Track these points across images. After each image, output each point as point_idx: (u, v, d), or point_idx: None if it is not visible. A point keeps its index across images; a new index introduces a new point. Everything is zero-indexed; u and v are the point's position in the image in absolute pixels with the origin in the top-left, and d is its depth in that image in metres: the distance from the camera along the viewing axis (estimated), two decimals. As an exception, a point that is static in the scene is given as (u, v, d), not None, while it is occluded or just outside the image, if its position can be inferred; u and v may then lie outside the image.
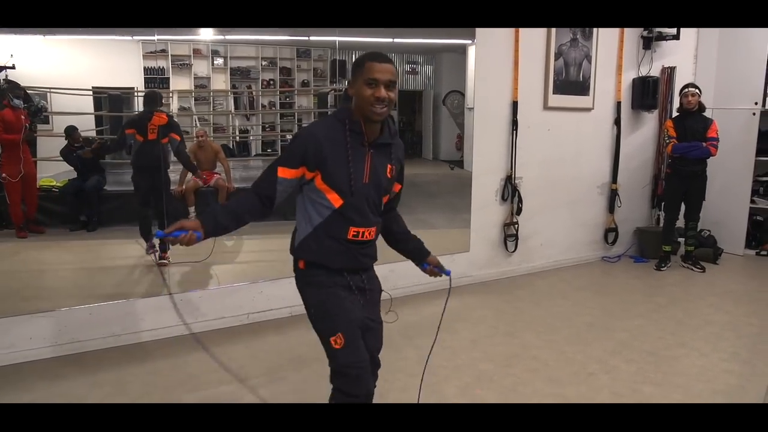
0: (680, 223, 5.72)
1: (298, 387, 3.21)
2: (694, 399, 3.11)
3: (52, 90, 4.83)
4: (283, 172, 2.01)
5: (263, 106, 9.61)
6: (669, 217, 5.62)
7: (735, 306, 4.66)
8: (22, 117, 4.33)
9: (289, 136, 9.48)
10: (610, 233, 5.94)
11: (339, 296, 2.17)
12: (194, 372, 3.39)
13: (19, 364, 3.42)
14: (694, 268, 5.58)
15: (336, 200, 2.06)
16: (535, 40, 5.10)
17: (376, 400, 3.05)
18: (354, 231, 2.11)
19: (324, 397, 3.05)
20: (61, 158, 4.76)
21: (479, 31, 4.81)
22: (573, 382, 3.30)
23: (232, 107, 9.27)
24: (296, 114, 9.71)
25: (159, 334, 3.82)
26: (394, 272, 4.66)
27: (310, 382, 3.26)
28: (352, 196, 2.06)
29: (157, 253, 4.50)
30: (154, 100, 4.81)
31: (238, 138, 8.95)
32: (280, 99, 9.77)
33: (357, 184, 2.05)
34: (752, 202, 6.12)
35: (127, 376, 3.34)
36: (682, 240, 5.79)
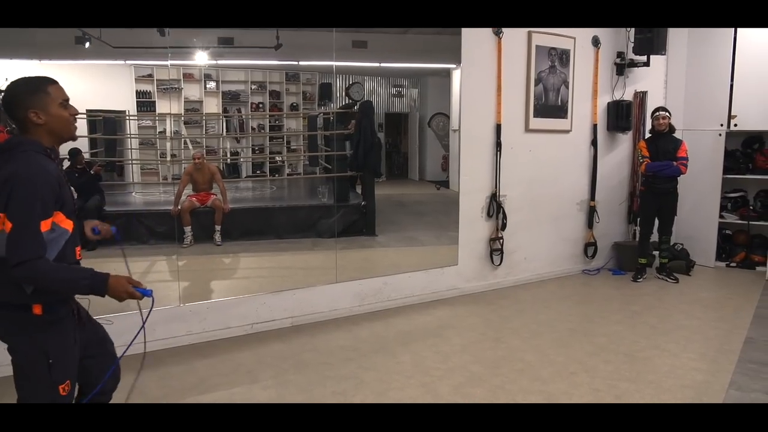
0: (655, 237, 6.08)
1: (303, 388, 3.47)
2: (664, 393, 3.43)
3: None
4: (44, 226, 1.89)
5: (253, 129, 9.93)
6: (644, 232, 5.99)
7: (704, 312, 5.02)
8: None
9: (278, 158, 9.81)
10: (590, 247, 6.30)
11: (74, 340, 2.10)
12: (205, 376, 3.65)
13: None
14: (668, 279, 5.93)
15: (69, 226, 2.03)
16: (516, 67, 5.48)
17: (376, 399, 3.35)
18: (78, 250, 2.13)
19: (329, 397, 3.35)
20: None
21: (464, 57, 5.17)
22: (555, 380, 3.61)
23: (224, 130, 9.57)
24: (285, 136, 10.04)
25: (170, 343, 4.07)
26: (387, 285, 4.99)
27: (314, 384, 3.53)
28: (75, 217, 2.10)
29: None
30: None
31: (229, 160, 9.24)
32: (269, 122, 10.11)
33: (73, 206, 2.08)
34: (721, 217, 6.51)
35: (143, 380, 3.57)
36: (657, 253, 6.14)
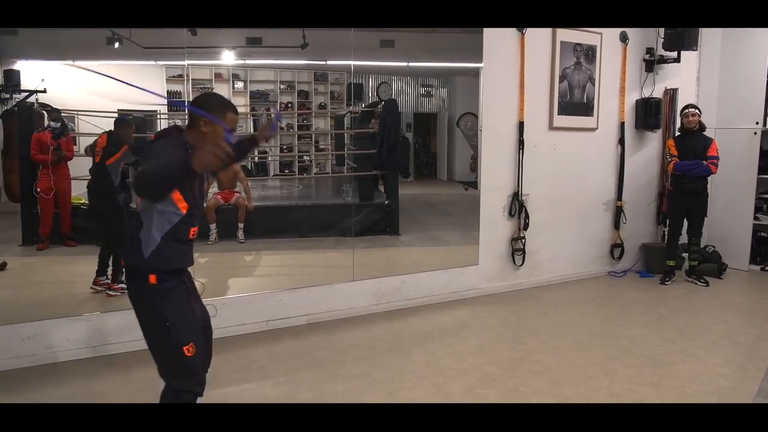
0: (684, 239, 5.89)
1: (314, 386, 3.44)
2: (687, 399, 3.30)
3: (79, 113, 5.13)
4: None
5: (281, 128, 9.97)
6: (672, 233, 5.80)
7: (734, 317, 4.82)
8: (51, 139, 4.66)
9: (306, 158, 9.84)
10: (616, 248, 6.13)
11: (189, 304, 2.38)
12: (217, 372, 3.63)
13: (57, 363, 3.71)
14: (698, 283, 5.73)
15: (183, 208, 2.28)
16: (540, 63, 5.37)
17: (386, 398, 3.30)
18: (193, 231, 2.39)
19: (340, 395, 3.32)
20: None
21: (486, 54, 5.08)
22: (573, 383, 3.50)
23: (252, 129, 9.63)
24: (313, 135, 10.07)
25: (185, 338, 4.08)
26: (405, 284, 4.94)
27: (327, 381, 3.50)
28: (194, 199, 2.32)
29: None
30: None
31: (257, 159, 9.30)
32: (297, 121, 10.15)
33: (196, 190, 2.33)
34: (756, 218, 6.27)
35: (156, 375, 3.59)
36: (686, 255, 5.95)
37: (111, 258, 4.52)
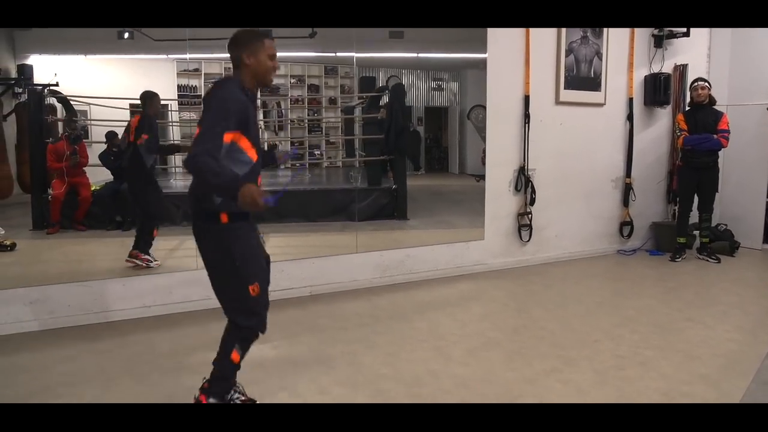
0: (695, 217, 5.78)
1: (313, 348, 3.42)
2: (693, 361, 3.22)
3: (93, 101, 5.15)
4: (226, 138, 2.21)
5: (291, 121, 9.98)
6: (683, 209, 5.70)
7: (746, 290, 4.72)
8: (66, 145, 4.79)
9: (317, 152, 9.83)
10: (625, 227, 6.04)
11: (256, 246, 2.45)
12: (218, 336, 3.60)
13: (59, 329, 3.71)
14: (709, 260, 5.62)
15: (254, 156, 2.37)
16: (545, 37, 5.30)
17: (383, 359, 3.27)
18: (260, 179, 2.45)
19: (338, 360, 3.28)
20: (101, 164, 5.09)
21: (490, 29, 5.04)
22: (577, 347, 3.43)
23: (262, 123, 9.65)
24: (324, 128, 10.06)
25: (187, 307, 4.08)
26: (410, 257, 4.90)
27: (325, 344, 3.47)
28: (260, 150, 2.42)
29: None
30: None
31: (265, 147, 9.29)
32: (308, 114, 10.14)
33: (259, 140, 2.40)
34: (769, 196, 6.15)
35: (156, 338, 3.60)
36: (697, 233, 5.84)
37: (140, 230, 4.58)
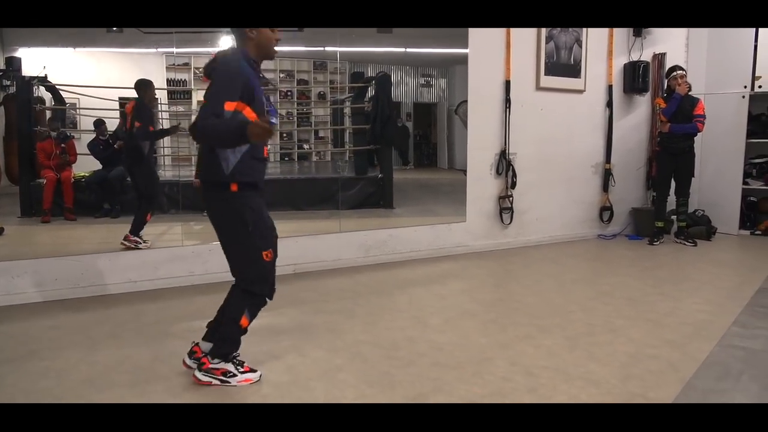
0: (674, 203, 5.91)
1: (294, 318, 3.51)
2: (661, 328, 3.33)
3: (82, 90, 5.18)
4: (228, 106, 2.29)
5: (280, 116, 10.03)
6: (660, 193, 5.83)
7: (720, 269, 4.86)
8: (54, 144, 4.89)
9: (306, 146, 9.89)
10: (605, 212, 6.17)
11: (267, 217, 2.53)
12: (202, 307, 3.70)
13: (46, 302, 3.78)
14: (686, 243, 5.76)
15: None
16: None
17: (362, 328, 3.36)
18: (266, 149, 2.54)
19: (319, 328, 3.38)
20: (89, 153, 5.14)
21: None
22: (551, 316, 3.54)
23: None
24: (313, 123, 10.12)
25: (171, 283, 4.16)
26: (392, 237, 4.99)
27: (307, 315, 3.56)
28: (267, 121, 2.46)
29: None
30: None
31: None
32: (297, 110, 10.19)
33: (265, 111, 2.46)
34: (745, 183, 6.30)
35: (141, 309, 3.68)
36: (675, 218, 5.98)
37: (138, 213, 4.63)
